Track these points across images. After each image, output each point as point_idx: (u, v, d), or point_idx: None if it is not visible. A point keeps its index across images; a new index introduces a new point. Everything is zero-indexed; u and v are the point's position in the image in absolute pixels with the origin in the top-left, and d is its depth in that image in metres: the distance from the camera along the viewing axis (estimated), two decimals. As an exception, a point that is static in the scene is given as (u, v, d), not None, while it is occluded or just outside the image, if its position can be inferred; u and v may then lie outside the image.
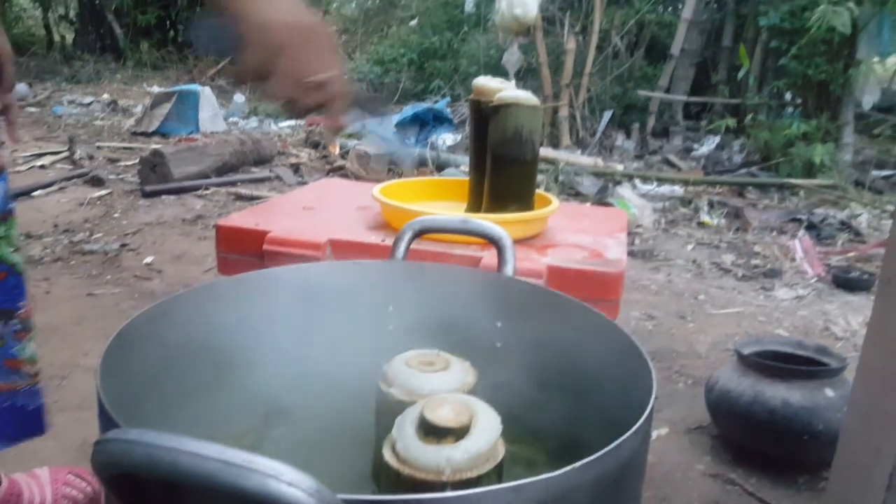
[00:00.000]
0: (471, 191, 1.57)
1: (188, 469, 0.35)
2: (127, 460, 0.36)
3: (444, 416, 0.58)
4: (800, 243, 3.14)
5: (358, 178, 3.93)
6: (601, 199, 3.63)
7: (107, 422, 0.50)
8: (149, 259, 2.70)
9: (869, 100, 4.61)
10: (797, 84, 4.69)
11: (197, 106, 5.28)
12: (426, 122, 5.14)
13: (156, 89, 6.20)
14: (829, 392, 1.46)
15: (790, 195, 4.04)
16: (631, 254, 3.04)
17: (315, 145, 4.97)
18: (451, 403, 0.60)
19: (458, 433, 0.57)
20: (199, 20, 0.68)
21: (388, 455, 0.58)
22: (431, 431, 0.57)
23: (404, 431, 0.59)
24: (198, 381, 0.75)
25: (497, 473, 0.58)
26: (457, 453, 0.56)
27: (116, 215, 3.30)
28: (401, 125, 5.09)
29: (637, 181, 4.18)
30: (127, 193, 3.68)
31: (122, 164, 4.34)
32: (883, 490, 0.96)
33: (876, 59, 4.64)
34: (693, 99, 5.72)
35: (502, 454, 0.59)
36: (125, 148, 4.85)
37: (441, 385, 0.67)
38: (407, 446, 0.57)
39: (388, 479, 0.57)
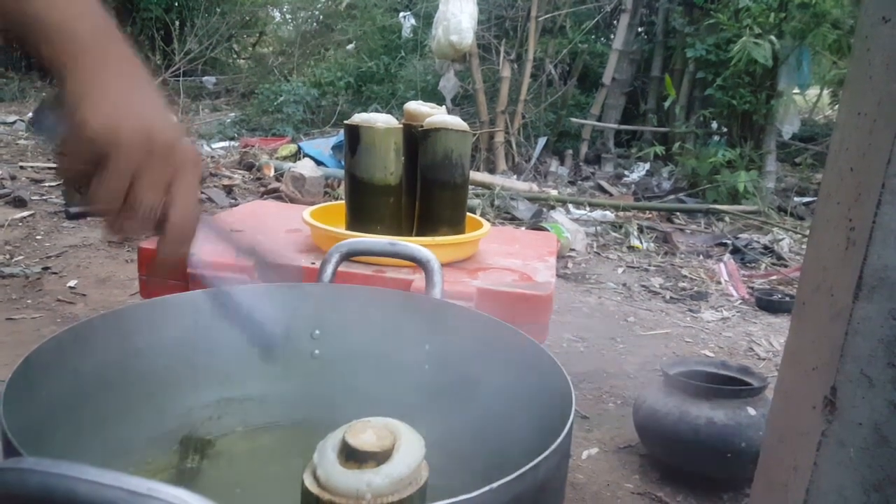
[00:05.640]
0: (403, 214, 1.57)
1: (86, 498, 0.34)
2: (21, 490, 0.34)
3: (366, 440, 0.57)
4: (725, 267, 3.24)
5: (293, 200, 3.89)
6: (536, 224, 3.68)
7: (9, 451, 0.48)
8: (72, 282, 2.60)
9: (789, 129, 4.83)
10: (722, 113, 4.87)
11: (128, 126, 5.15)
12: (363, 146, 5.13)
13: (84, 108, 6.01)
14: (751, 410, 1.51)
15: (716, 220, 4.18)
16: (564, 277, 3.09)
17: (249, 167, 4.90)
18: (373, 427, 0.59)
19: (381, 457, 0.57)
20: (43, 107, 0.59)
21: (308, 481, 0.57)
22: (353, 456, 0.57)
23: (325, 457, 0.58)
24: (113, 409, 0.72)
25: (420, 498, 0.57)
26: (378, 478, 0.55)
27: (39, 237, 3.17)
28: (338, 148, 5.08)
29: (570, 206, 4.26)
30: (51, 215, 3.55)
31: (47, 184, 4.19)
32: (799, 505, 0.99)
33: (796, 90, 4.87)
34: (624, 127, 5.89)
35: (425, 478, 0.59)
36: (50, 168, 4.69)
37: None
38: (327, 472, 0.56)
39: (309, 506, 0.56)
